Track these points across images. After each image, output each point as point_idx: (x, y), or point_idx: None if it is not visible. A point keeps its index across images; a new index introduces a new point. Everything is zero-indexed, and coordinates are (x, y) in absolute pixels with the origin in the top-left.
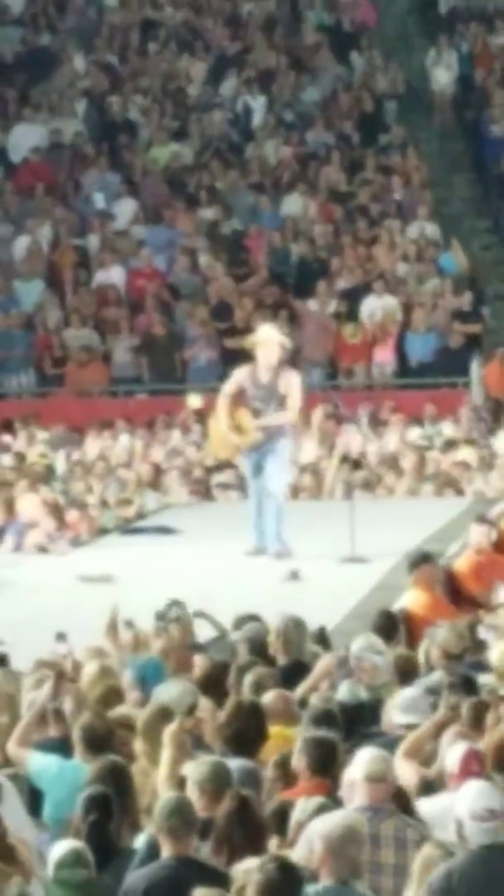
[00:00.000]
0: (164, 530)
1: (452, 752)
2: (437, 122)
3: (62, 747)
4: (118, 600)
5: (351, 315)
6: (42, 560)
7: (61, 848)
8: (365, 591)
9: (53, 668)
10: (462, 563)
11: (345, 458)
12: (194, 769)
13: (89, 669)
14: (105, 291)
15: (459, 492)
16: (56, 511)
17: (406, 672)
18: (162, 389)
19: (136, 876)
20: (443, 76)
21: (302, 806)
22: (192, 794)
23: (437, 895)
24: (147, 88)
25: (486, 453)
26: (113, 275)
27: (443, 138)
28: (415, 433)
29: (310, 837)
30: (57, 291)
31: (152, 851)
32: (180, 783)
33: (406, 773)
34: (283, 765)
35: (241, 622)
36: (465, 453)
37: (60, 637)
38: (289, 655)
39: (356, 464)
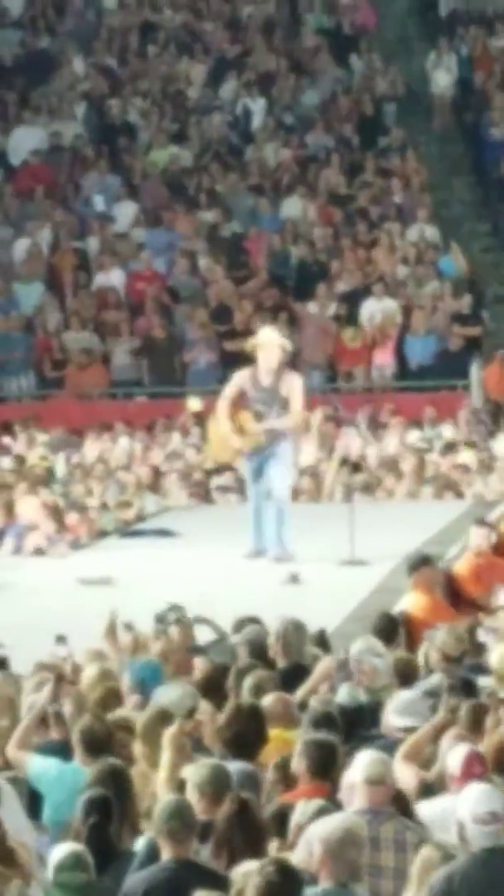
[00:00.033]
0: (164, 533)
1: (454, 754)
2: (437, 125)
3: (62, 750)
4: (118, 603)
5: (351, 318)
6: (42, 562)
7: (61, 851)
8: (364, 593)
9: (53, 670)
10: (462, 566)
11: (344, 461)
12: (194, 772)
13: (89, 672)
14: (105, 294)
15: (459, 494)
16: (56, 513)
17: (406, 675)
18: (161, 392)
19: (135, 879)
20: (442, 79)
21: (302, 809)
22: (192, 796)
23: None
24: (147, 91)
25: (485, 456)
26: (113, 277)
27: (442, 141)
28: (414, 436)
29: (309, 840)
30: (57, 294)
31: (152, 854)
32: (180, 786)
33: (405, 775)
34: (283, 767)
35: (240, 625)
36: (465, 456)
37: (60, 640)
38: (288, 658)
39: (356, 466)
